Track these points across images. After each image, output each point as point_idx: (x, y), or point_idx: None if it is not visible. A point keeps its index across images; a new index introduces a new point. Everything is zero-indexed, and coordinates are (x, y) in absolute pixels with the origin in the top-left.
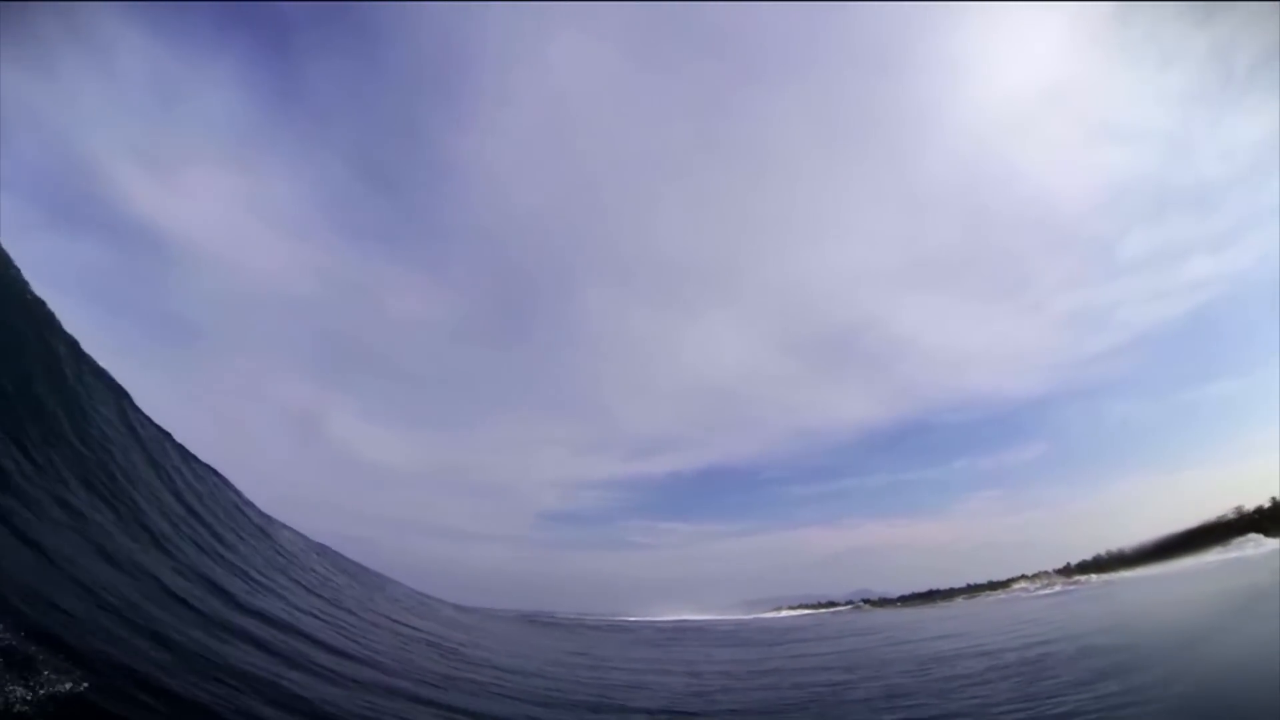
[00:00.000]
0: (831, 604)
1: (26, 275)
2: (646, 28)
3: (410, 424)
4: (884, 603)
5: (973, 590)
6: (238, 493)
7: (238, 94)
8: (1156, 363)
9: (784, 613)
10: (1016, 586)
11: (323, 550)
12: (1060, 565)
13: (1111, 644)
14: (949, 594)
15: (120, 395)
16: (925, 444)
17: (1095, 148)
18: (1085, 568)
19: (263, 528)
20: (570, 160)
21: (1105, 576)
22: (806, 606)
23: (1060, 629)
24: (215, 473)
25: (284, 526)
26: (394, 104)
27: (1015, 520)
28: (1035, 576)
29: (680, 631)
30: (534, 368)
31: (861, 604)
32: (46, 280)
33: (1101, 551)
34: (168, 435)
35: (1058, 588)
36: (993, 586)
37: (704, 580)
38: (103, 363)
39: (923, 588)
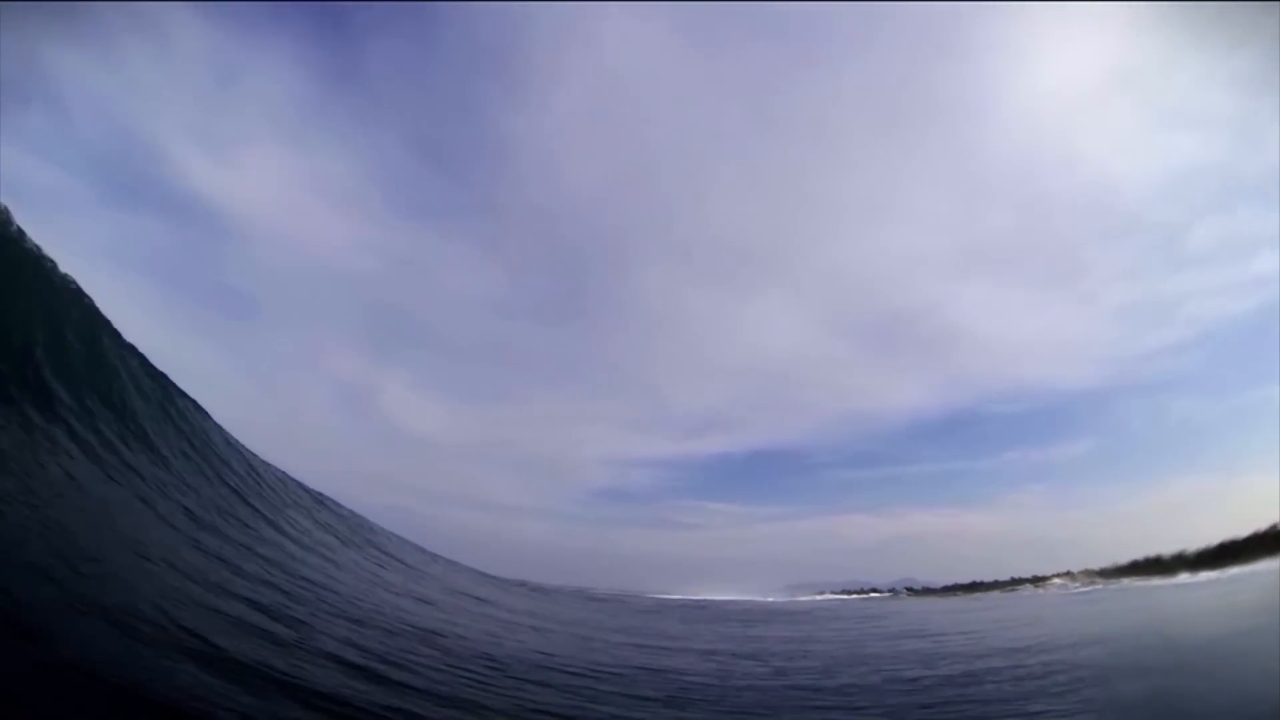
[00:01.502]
0: (874, 590)
1: (85, 253)
2: (702, 7)
3: (461, 398)
4: (926, 592)
5: (1014, 584)
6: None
7: (295, 73)
8: (1220, 361)
9: (826, 597)
10: (1054, 583)
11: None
12: (1103, 565)
13: (1104, 654)
14: (989, 586)
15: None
16: (975, 434)
17: (1160, 134)
18: (1128, 570)
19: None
20: (624, 139)
21: (1149, 580)
22: (849, 592)
23: (1070, 632)
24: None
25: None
26: (449, 82)
27: (1061, 516)
28: (1075, 575)
29: (727, 611)
30: (586, 344)
31: (904, 592)
32: (110, 256)
33: (1149, 554)
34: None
35: (1097, 587)
36: (1034, 581)
37: (750, 562)
38: (160, 334)
39: (966, 579)
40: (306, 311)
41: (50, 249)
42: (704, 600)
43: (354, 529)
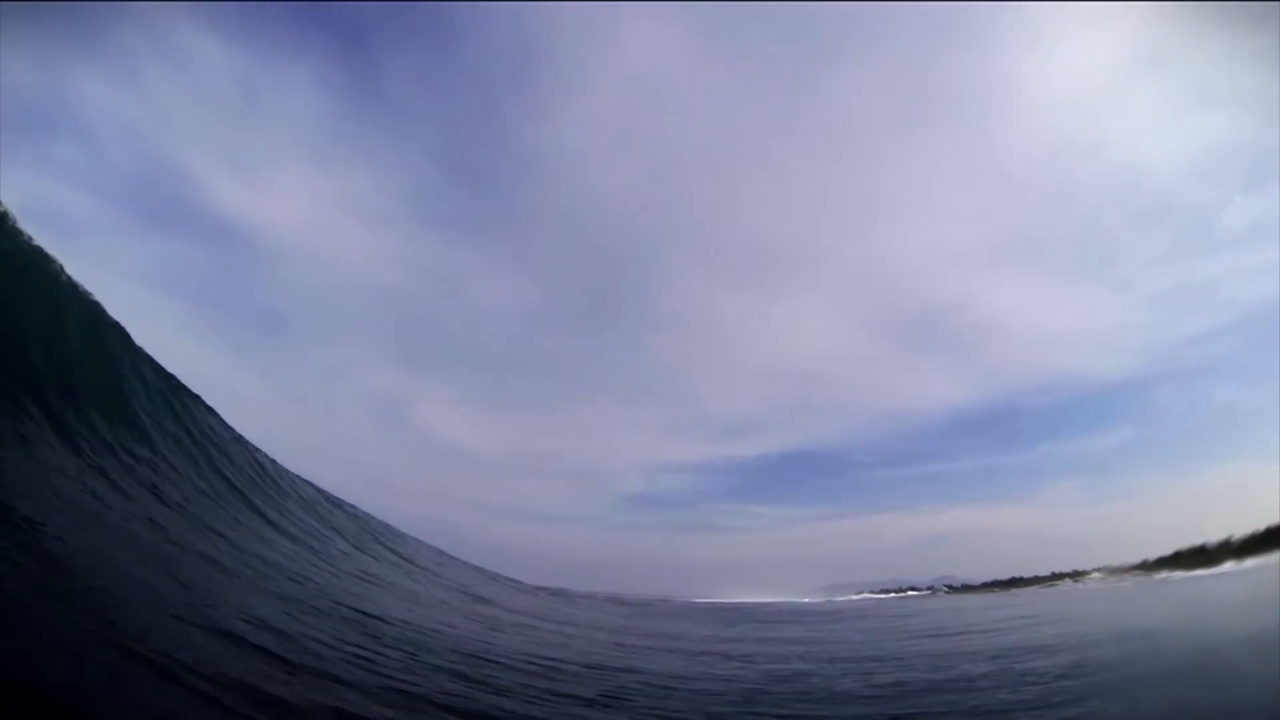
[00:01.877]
0: (913, 589)
1: (119, 276)
2: (720, 9)
3: (495, 409)
4: (965, 589)
5: (1053, 579)
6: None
7: (317, 93)
8: (1260, 344)
9: (863, 596)
10: (1093, 578)
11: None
12: (1142, 559)
13: (1124, 653)
14: (1028, 582)
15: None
16: (1010, 428)
17: (1186, 114)
18: (1171, 561)
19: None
20: (648, 145)
21: (1193, 572)
22: (888, 591)
23: (1100, 629)
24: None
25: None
26: (471, 95)
27: (1101, 509)
28: (1115, 569)
29: (756, 613)
30: (618, 351)
31: (943, 590)
32: (144, 278)
33: (1191, 544)
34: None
35: (1138, 580)
36: (1073, 576)
37: (789, 564)
38: (194, 355)
39: (1004, 575)
40: (340, 328)
41: (86, 274)
42: (739, 603)
43: (364, 526)
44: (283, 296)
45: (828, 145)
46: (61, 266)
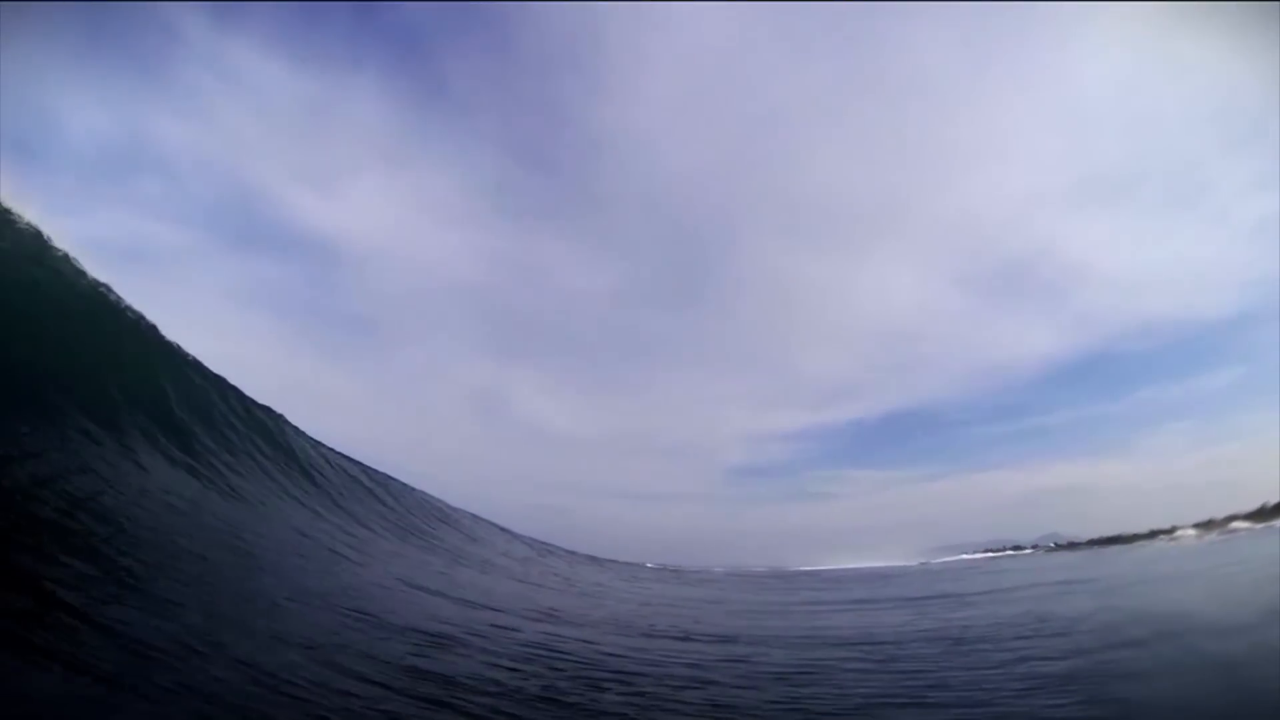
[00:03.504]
0: (1018, 548)
1: (210, 296)
2: None
3: (591, 392)
4: (1072, 546)
5: (1152, 535)
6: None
7: (382, 103)
8: None
9: (966, 557)
10: (1189, 532)
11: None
12: (1258, 506)
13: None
14: (1131, 538)
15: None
16: (1109, 376)
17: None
18: None
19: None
20: (716, 116)
21: None
22: (992, 551)
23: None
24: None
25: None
26: (533, 86)
27: (1209, 453)
28: (1222, 521)
29: (842, 578)
30: (708, 325)
31: (1051, 547)
32: (234, 297)
33: None
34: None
35: (1244, 529)
36: (1203, 527)
37: (891, 527)
38: (287, 364)
39: (1109, 531)
40: (429, 326)
41: (175, 296)
42: (833, 569)
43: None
44: (371, 301)
45: (898, 99)
46: (119, 297)
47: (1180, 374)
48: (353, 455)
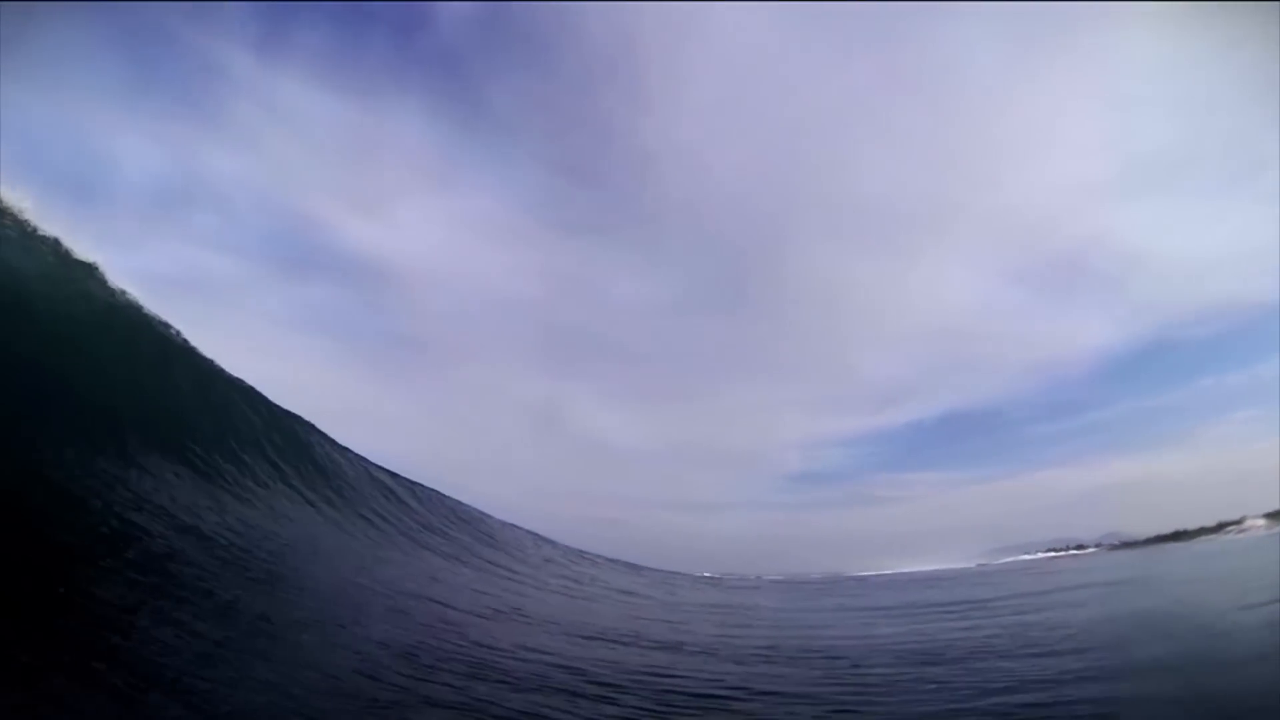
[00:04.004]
0: (1080, 546)
1: (265, 323)
2: None
3: (646, 403)
4: (1132, 544)
5: (1219, 528)
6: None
7: (426, 126)
8: None
9: (1025, 558)
10: (1258, 523)
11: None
12: None
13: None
14: (1193, 534)
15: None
16: (1167, 366)
17: None
18: None
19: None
20: (758, 120)
21: None
22: (1054, 551)
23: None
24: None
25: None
26: (573, 102)
27: (1276, 441)
28: None
29: (891, 582)
30: (761, 331)
31: (1115, 544)
32: (288, 324)
33: None
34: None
35: None
36: (1273, 517)
37: (951, 530)
38: (343, 388)
39: (1170, 527)
40: (483, 344)
41: (233, 322)
42: (887, 574)
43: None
44: (424, 321)
45: (940, 95)
46: (179, 331)
47: (1243, 360)
48: (425, 481)
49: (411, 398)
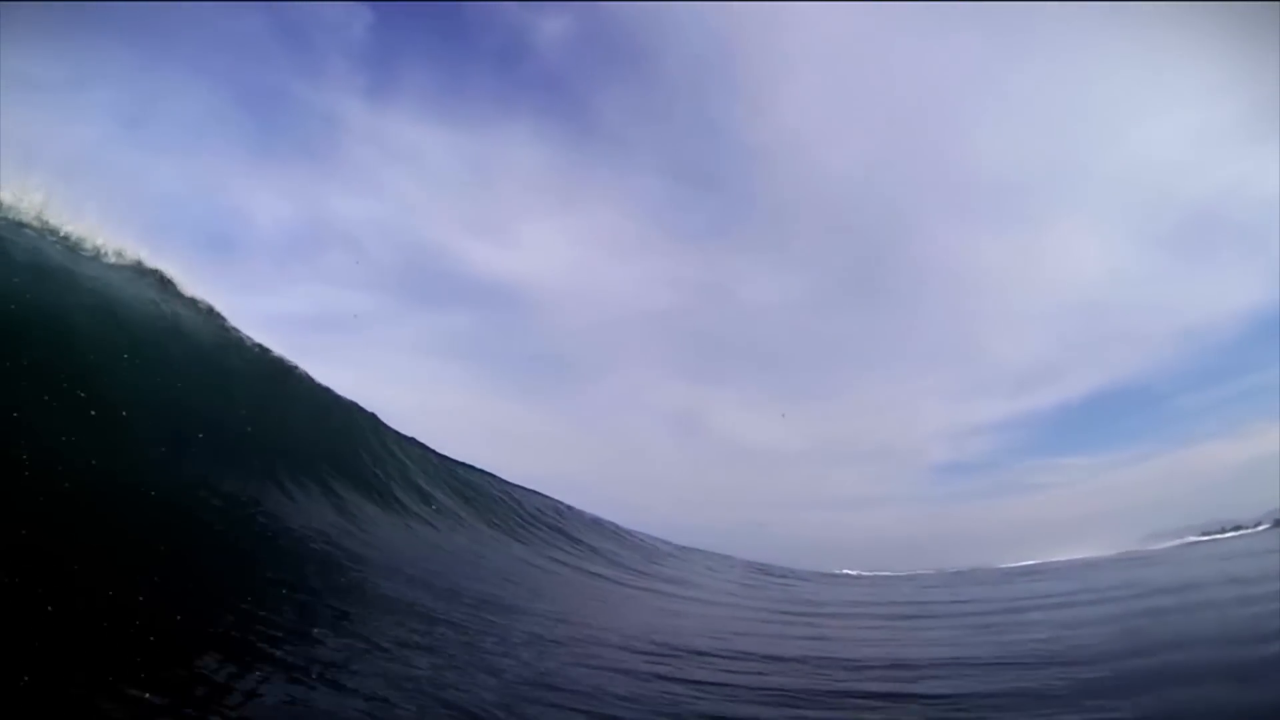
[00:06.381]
0: (1238, 527)
1: (403, 352)
2: None
3: (785, 403)
4: None
5: None
6: None
7: (539, 148)
8: None
9: (1182, 541)
10: None
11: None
12: None
13: None
14: None
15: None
16: None
17: None
18: None
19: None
20: (867, 108)
21: None
22: (1211, 533)
23: None
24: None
25: None
26: (682, 109)
27: None
28: None
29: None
30: (895, 322)
31: (1274, 525)
32: (425, 351)
33: None
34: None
35: None
36: None
37: (1104, 514)
38: (486, 410)
39: None
40: (619, 357)
41: (369, 356)
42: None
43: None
44: (558, 339)
45: (1050, 60)
46: (304, 371)
47: None
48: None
49: (553, 416)
